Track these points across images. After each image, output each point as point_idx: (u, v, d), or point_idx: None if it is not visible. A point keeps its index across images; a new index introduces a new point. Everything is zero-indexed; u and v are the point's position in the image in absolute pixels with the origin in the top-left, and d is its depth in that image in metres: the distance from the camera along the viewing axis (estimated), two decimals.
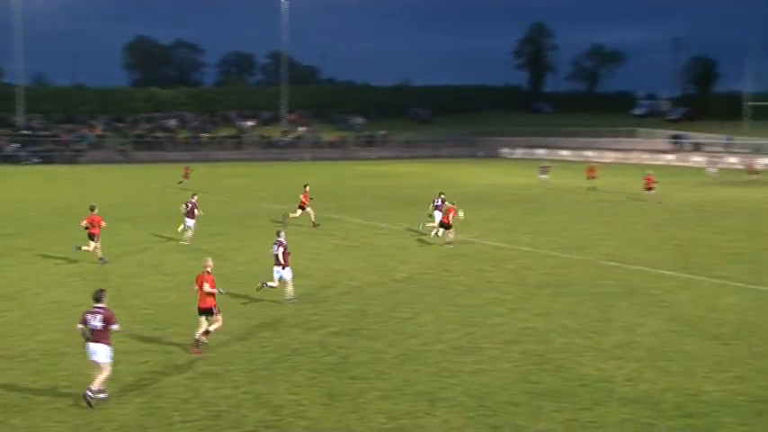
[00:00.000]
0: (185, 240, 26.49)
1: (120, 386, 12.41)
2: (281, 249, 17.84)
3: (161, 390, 12.46)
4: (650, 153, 79.64)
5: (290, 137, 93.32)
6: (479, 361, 13.82)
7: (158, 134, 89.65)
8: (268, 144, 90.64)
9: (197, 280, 14.70)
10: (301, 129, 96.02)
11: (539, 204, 39.26)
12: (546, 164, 52.60)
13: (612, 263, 23.05)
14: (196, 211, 27.02)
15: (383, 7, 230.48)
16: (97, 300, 12.18)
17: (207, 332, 14.47)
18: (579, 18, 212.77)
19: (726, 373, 13.14)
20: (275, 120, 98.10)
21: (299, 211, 30.50)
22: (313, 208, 30.79)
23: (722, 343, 14.86)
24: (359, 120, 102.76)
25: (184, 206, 27.07)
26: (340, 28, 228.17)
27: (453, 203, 27.30)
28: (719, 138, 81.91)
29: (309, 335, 15.52)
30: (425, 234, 27.88)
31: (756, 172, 56.07)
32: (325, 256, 24.46)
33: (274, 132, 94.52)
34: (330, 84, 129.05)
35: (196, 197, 27.88)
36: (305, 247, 25.65)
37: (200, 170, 53.85)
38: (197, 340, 14.33)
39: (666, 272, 21.69)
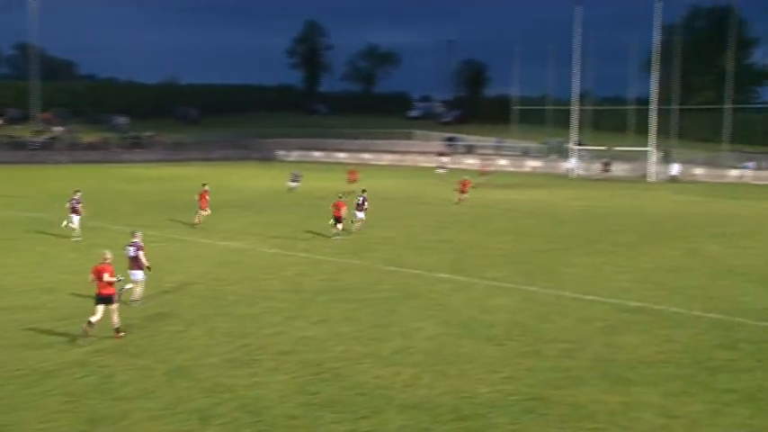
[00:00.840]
0: (77, 237, 27.90)
1: None
2: (139, 252, 18.15)
3: None
4: (426, 155, 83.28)
5: (44, 137, 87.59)
6: (255, 374, 13.71)
7: None
8: (17, 145, 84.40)
9: (94, 271, 15.78)
10: (57, 129, 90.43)
11: (316, 208, 39.65)
12: (297, 171, 50.93)
13: (391, 267, 23.76)
14: (79, 206, 28.45)
15: None
16: None
17: (90, 323, 15.46)
18: (354, 18, 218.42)
19: (498, 373, 13.95)
20: (25, 119, 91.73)
21: (201, 212, 31.99)
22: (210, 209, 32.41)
23: (495, 344, 15.77)
24: (122, 119, 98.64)
25: (69, 203, 28.60)
26: (100, 19, 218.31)
27: (340, 197, 30.69)
28: (490, 140, 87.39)
29: (67, 355, 14.62)
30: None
31: (486, 173, 59.39)
32: (85, 267, 23.16)
33: (24, 132, 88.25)
34: (90, 80, 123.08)
35: (80, 194, 29.11)
36: (61, 259, 24.25)
37: None
38: (90, 323, 15.45)
39: (443, 275, 22.69)
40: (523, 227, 33.74)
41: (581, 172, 69.71)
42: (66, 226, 28.38)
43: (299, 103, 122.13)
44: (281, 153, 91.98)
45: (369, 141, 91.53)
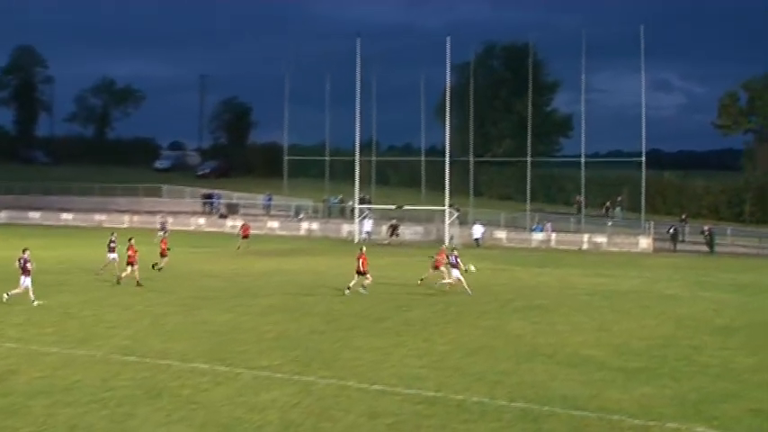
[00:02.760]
0: (35, 300, 31.36)
1: None
2: None
3: None
4: (177, 216, 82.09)
5: None
6: None
7: None
8: None
9: None
10: None
11: (33, 285, 37.86)
12: (114, 235, 44.78)
13: (130, 357, 23.08)
14: (29, 265, 31.57)
15: None
16: None
17: None
18: (81, 44, 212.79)
19: None
20: None
21: (129, 268, 37.64)
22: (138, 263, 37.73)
23: None
24: None
25: (17, 262, 31.74)
26: None
27: (362, 249, 37.30)
28: (259, 197, 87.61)
29: None
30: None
31: (248, 237, 60.17)
32: None
33: None
34: None
35: (28, 252, 32.07)
36: None
37: None
38: None
39: (198, 365, 22.27)
40: (298, 303, 33.91)
41: (364, 236, 71.03)
42: (8, 297, 31.53)
43: (10, 149, 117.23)
44: None
45: (104, 199, 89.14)
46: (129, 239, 38.88)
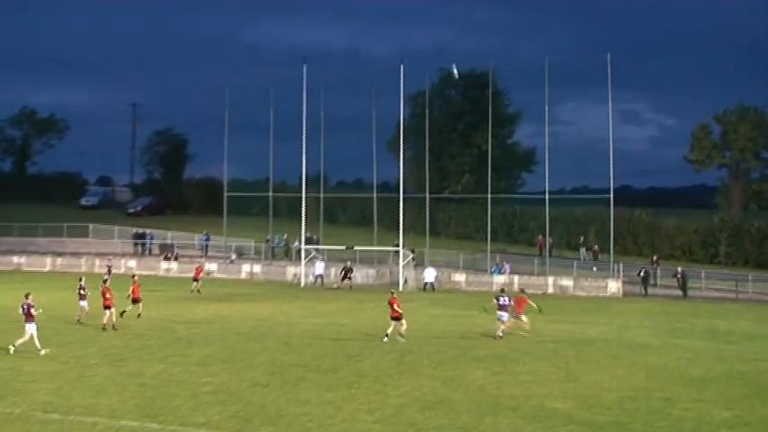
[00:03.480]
0: (41, 349, 31.85)
1: None
2: None
3: None
4: (105, 258, 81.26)
5: None
6: None
7: None
8: None
9: None
10: None
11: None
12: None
13: (53, 414, 22.79)
14: (33, 311, 32.32)
15: None
16: None
17: None
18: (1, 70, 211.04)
19: None
20: None
21: (108, 311, 39.02)
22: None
23: None
24: None
25: (21, 309, 32.57)
26: None
27: (393, 292, 39.57)
28: (196, 237, 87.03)
29: None
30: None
31: (199, 279, 60.67)
32: None
33: None
34: None
35: (31, 296, 32.88)
36: None
37: None
38: None
39: (128, 422, 22.05)
40: (239, 353, 33.68)
41: (313, 279, 70.71)
42: (16, 346, 32.02)
43: None
44: None
45: (24, 239, 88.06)
46: (104, 282, 42.43)
